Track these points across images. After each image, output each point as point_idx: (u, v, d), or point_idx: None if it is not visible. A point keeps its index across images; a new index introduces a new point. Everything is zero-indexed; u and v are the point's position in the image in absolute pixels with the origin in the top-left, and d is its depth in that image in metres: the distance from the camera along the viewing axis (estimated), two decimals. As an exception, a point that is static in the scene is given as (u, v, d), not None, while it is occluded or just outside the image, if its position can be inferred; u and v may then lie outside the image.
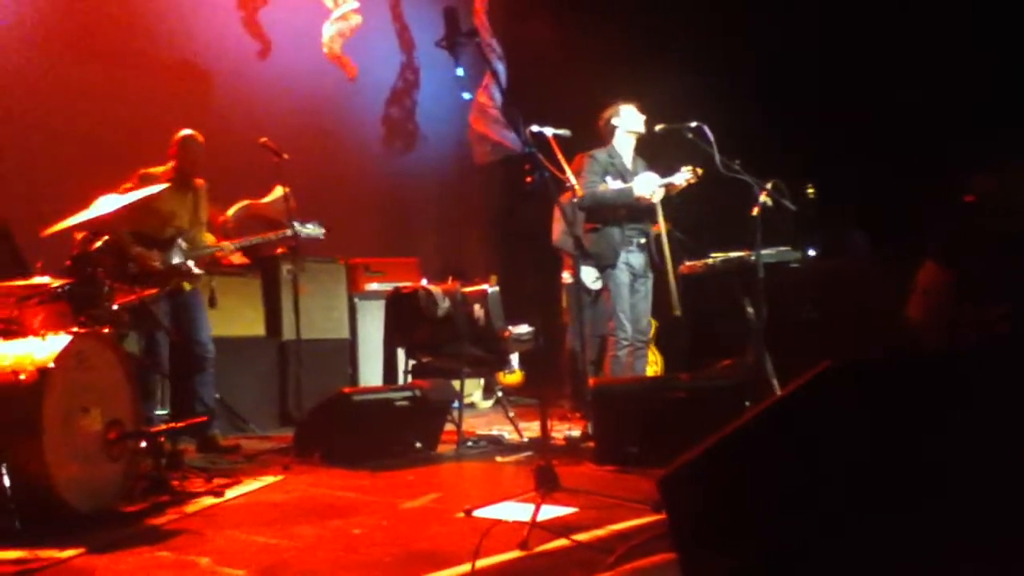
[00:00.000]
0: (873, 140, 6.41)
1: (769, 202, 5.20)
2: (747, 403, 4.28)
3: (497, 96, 8.48)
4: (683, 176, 5.42)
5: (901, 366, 1.64)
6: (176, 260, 5.25)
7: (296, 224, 5.49)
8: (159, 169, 5.28)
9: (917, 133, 6.13)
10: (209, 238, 5.53)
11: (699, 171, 5.39)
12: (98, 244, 4.36)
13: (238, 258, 5.66)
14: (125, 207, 4.37)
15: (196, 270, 5.35)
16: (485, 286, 5.97)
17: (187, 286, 5.38)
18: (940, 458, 1.62)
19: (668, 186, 5.48)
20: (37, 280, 3.92)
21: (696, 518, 1.71)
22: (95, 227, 5.08)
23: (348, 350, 7.31)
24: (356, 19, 8.53)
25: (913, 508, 1.56)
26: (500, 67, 8.64)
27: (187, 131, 5.38)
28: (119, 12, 7.02)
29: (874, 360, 1.63)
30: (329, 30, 8.40)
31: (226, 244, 5.43)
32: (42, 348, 3.47)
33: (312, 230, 5.62)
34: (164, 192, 5.00)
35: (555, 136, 5.57)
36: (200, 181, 5.48)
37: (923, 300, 2.05)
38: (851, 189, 6.17)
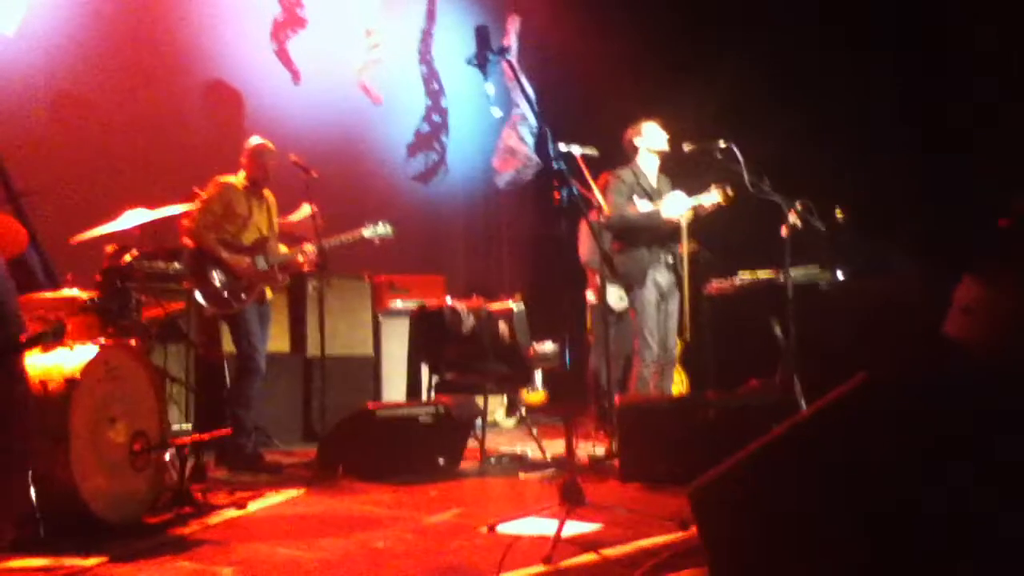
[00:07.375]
0: (920, 158, 6.34)
1: (798, 222, 5.15)
2: (774, 424, 4.21)
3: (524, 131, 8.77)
4: (713, 197, 5.33)
5: (943, 382, 1.58)
6: (262, 265, 5.31)
7: (369, 224, 5.65)
8: (232, 177, 5.35)
9: (960, 152, 6.05)
10: (282, 247, 5.53)
11: (730, 192, 5.31)
12: (127, 258, 4.41)
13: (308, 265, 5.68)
14: (152, 221, 4.42)
15: (280, 276, 5.43)
16: (510, 303, 5.95)
17: (269, 294, 5.44)
18: (981, 475, 1.57)
19: (698, 207, 5.41)
20: (67, 292, 3.95)
21: (728, 531, 1.67)
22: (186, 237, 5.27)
23: (372, 367, 7.30)
24: (382, 42, 8.70)
25: (951, 529, 1.51)
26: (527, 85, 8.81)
27: (259, 140, 5.43)
28: (152, 32, 7.10)
29: (914, 375, 1.58)
30: (361, 59, 8.57)
31: (308, 247, 5.41)
32: (70, 359, 3.49)
33: (383, 229, 5.70)
34: (240, 196, 5.28)
35: (583, 155, 5.56)
36: (269, 192, 5.52)
37: (963, 318, 1.97)
38: (892, 209, 6.09)
